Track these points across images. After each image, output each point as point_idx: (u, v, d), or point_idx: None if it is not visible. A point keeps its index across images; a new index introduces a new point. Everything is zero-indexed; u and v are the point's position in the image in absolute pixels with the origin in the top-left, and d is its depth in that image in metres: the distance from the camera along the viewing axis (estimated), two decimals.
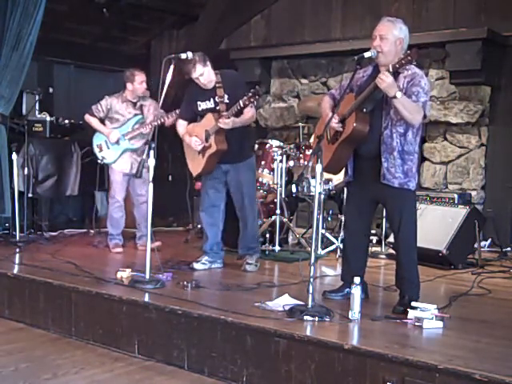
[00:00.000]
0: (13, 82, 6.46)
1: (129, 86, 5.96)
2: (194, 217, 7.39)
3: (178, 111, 5.50)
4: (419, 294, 3.99)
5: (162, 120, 5.73)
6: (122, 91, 6.05)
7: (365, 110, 3.95)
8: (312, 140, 6.31)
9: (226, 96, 4.95)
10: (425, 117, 3.88)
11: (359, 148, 4.04)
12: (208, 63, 4.93)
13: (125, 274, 4.63)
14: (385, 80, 3.70)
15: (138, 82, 5.92)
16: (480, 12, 6.80)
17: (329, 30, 7.85)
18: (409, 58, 3.71)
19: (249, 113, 4.95)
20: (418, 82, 3.84)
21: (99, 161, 6.16)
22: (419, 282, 4.06)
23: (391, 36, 3.88)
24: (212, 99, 4.99)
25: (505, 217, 6.53)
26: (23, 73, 6.48)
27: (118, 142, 5.99)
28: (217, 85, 4.97)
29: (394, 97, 3.71)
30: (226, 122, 4.81)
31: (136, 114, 6.04)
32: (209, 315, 3.77)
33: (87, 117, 6.06)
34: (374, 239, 6.38)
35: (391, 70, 3.76)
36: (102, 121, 6.07)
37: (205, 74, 4.91)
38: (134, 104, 6.04)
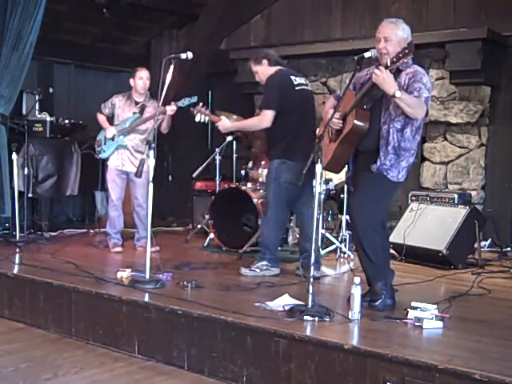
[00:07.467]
0: (13, 82, 6.46)
1: (131, 81, 6.04)
2: (194, 217, 7.38)
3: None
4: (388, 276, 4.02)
5: (161, 118, 5.77)
6: (130, 90, 6.12)
7: (365, 106, 3.96)
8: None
9: None
10: (427, 113, 3.86)
11: (358, 143, 4.04)
12: (264, 62, 5.04)
13: (125, 274, 4.63)
14: (379, 75, 3.71)
15: (137, 78, 5.99)
16: (480, 12, 6.81)
17: (329, 29, 7.86)
18: (406, 51, 3.73)
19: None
20: (419, 79, 3.84)
21: (96, 155, 6.28)
22: (384, 265, 4.00)
23: (395, 37, 3.89)
24: None
25: (505, 217, 6.52)
26: (23, 73, 6.49)
27: (113, 139, 6.03)
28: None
29: (394, 96, 3.71)
30: None
31: (134, 113, 6.04)
32: (209, 315, 3.76)
33: (97, 114, 6.18)
34: None
35: (389, 64, 3.76)
36: (109, 119, 6.13)
37: (259, 72, 5.09)
38: (136, 103, 6.05)
